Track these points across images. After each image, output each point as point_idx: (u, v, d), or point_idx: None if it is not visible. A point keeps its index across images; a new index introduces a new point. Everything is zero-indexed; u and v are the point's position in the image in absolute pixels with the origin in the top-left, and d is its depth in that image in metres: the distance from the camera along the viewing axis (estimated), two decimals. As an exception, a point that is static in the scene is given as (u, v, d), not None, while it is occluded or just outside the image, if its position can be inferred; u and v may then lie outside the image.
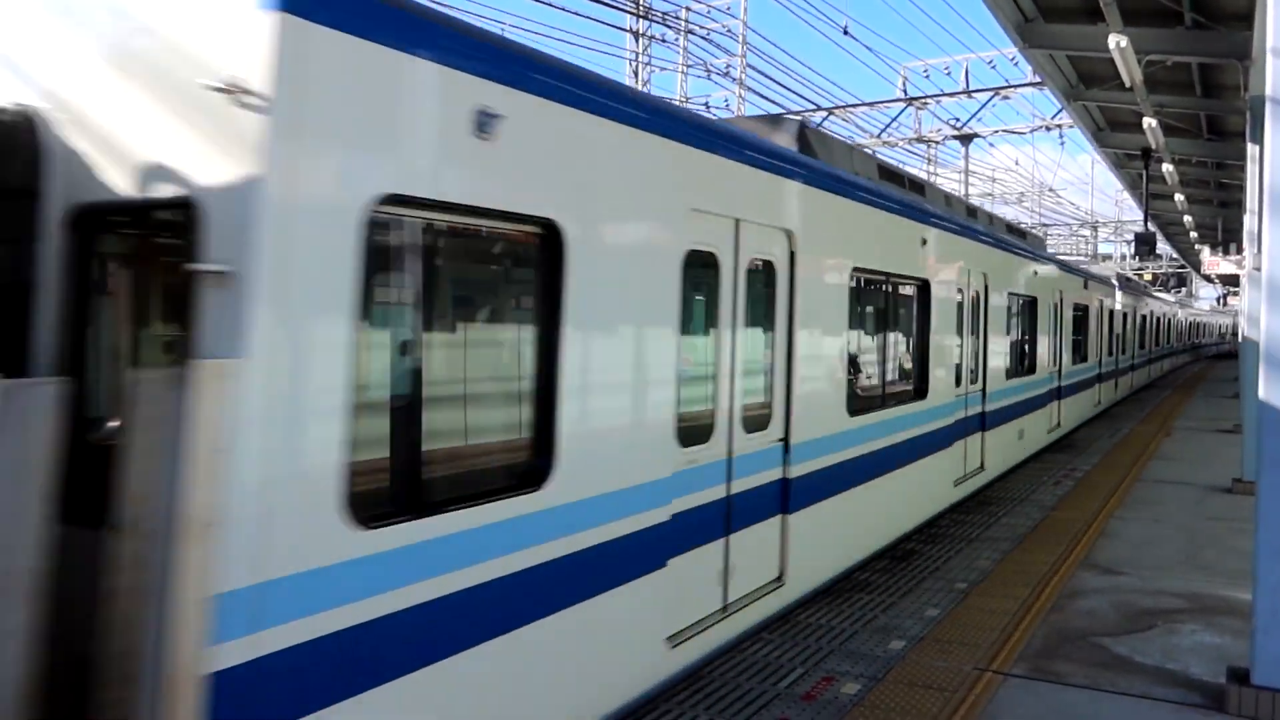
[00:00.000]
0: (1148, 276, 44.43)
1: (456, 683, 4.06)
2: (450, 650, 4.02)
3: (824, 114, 24.67)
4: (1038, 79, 18.57)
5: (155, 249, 4.22)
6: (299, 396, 3.38)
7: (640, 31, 23.74)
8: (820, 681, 5.91)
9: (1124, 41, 11.48)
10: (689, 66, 25.22)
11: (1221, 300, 70.02)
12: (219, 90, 3.23)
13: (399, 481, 3.96)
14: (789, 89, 37.14)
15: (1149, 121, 15.68)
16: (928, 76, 26.31)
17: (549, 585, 4.53)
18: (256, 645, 3.23)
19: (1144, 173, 21.87)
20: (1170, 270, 53.87)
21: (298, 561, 3.37)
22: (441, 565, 3.96)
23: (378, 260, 3.73)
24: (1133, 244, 33.82)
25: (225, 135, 3.27)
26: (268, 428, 3.27)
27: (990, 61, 24.21)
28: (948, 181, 32.56)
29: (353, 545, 3.56)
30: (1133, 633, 6.92)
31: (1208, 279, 51.69)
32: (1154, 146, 17.74)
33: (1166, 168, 20.22)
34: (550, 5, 18.06)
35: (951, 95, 24.63)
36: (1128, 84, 13.23)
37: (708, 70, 24.99)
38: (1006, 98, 23.78)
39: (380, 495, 3.86)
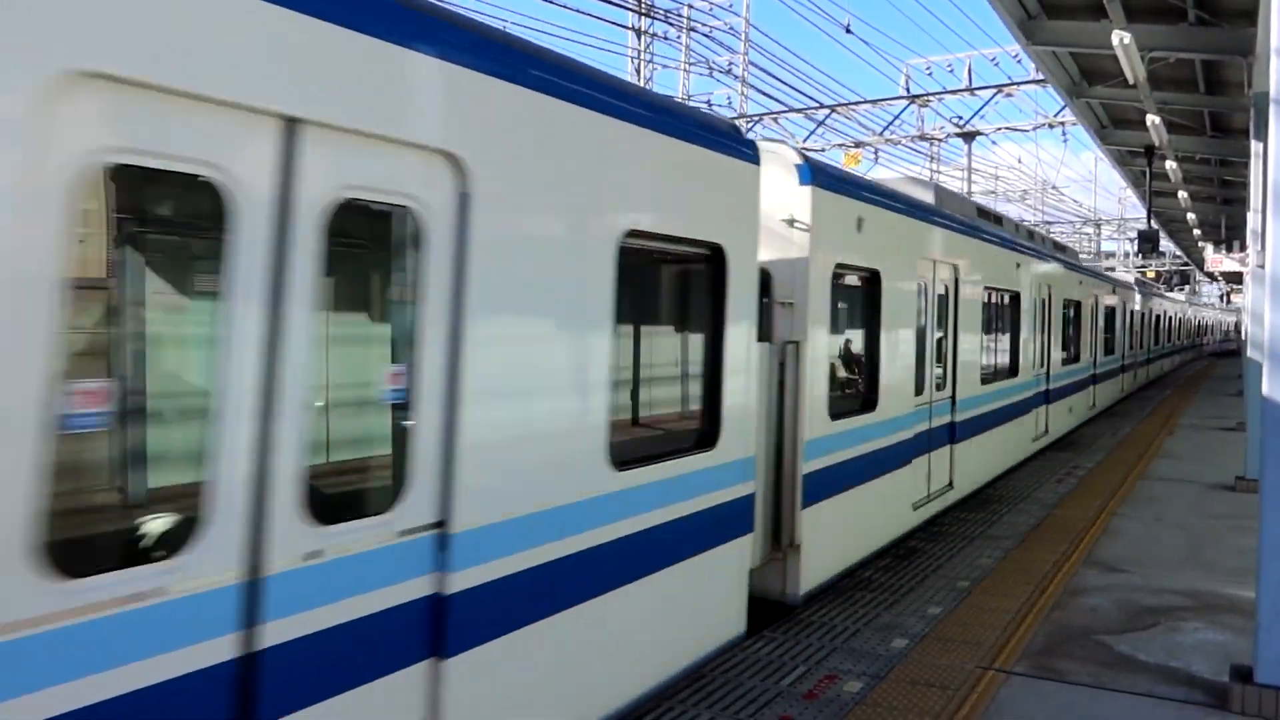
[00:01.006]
0: (1151, 274, 44.29)
1: (892, 484, 8.48)
2: (887, 470, 8.65)
3: (826, 111, 24.64)
4: (1041, 76, 18.54)
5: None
6: (814, 360, 7.36)
7: (643, 29, 23.72)
8: (822, 680, 5.90)
9: (1127, 38, 11.44)
10: (691, 64, 25.22)
11: (1225, 298, 69.84)
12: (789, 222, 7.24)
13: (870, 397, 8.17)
14: (791, 86, 37.14)
15: (1152, 118, 15.64)
16: (930, 74, 26.40)
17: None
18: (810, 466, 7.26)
19: (1147, 170, 21.80)
20: (1174, 268, 53.79)
21: (817, 432, 7.51)
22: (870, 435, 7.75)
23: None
24: (1136, 242, 33.76)
25: (792, 241, 7.39)
26: (805, 373, 7.30)
27: (993, 59, 24.08)
28: (951, 180, 32.52)
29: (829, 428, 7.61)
30: (1135, 631, 6.91)
31: (1211, 276, 51.61)
32: (1157, 144, 17.69)
33: (1170, 165, 20.17)
34: (553, 3, 18.03)
35: (954, 93, 24.61)
36: (1131, 81, 13.18)
37: (710, 68, 25.02)
38: (1009, 95, 23.74)
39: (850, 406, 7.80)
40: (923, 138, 26.70)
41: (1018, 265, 13.31)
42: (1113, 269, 33.55)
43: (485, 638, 4.10)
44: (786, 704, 5.54)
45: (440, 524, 3.86)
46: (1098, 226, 50.79)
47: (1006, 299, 13.10)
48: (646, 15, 22.88)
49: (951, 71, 25.34)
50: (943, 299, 10.45)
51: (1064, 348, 16.97)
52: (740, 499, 6.17)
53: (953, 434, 10.75)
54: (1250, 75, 12.51)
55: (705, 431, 5.89)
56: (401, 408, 3.80)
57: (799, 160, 7.51)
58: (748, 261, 6.17)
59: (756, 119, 24.77)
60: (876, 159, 26.74)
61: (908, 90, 25.77)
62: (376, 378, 4.09)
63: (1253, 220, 13.30)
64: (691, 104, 22.62)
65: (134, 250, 3.51)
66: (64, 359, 2.71)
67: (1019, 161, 55.95)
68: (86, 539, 3.13)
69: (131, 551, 3.11)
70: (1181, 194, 24.53)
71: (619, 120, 4.97)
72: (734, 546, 6.12)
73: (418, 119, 3.74)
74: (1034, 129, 25.71)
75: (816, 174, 7.51)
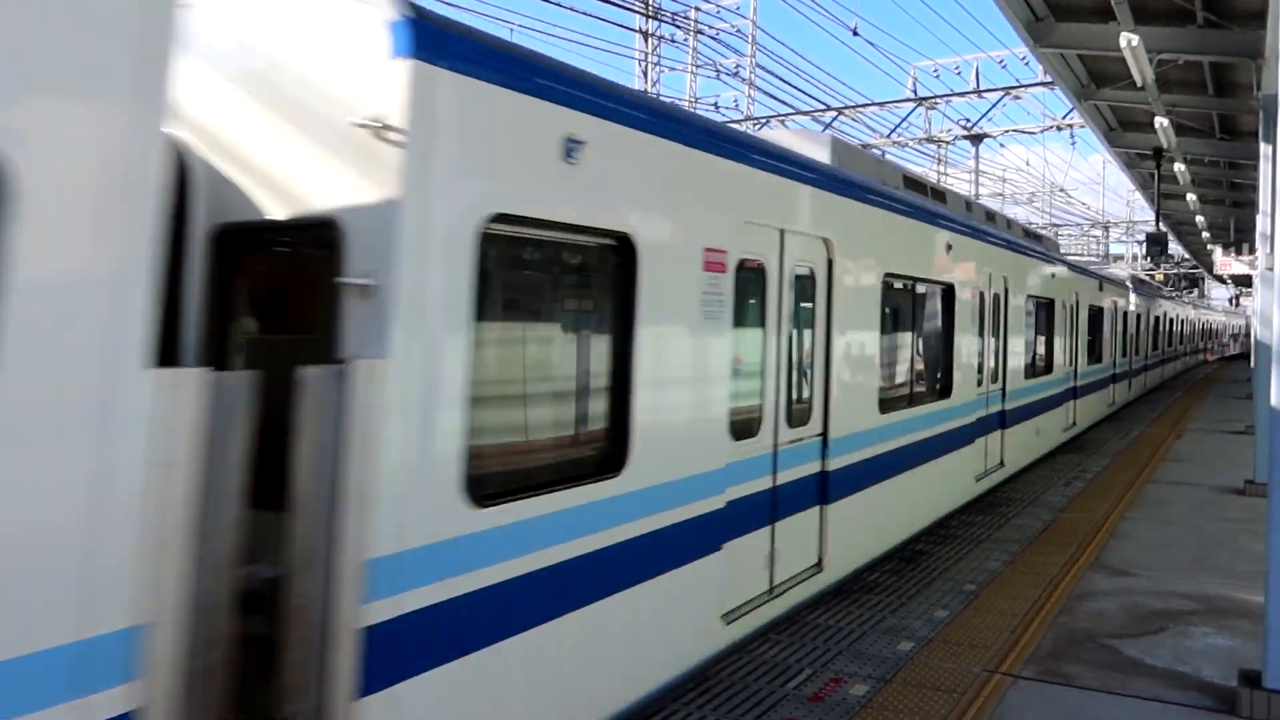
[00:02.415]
0: (1159, 277, 44.01)
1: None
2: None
3: (834, 114, 24.62)
4: (1048, 79, 18.51)
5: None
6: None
7: (650, 32, 23.73)
8: (828, 683, 5.89)
9: (1135, 40, 11.42)
10: (698, 67, 25.22)
11: (1234, 300, 69.54)
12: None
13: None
14: (798, 89, 37.09)
15: (1161, 121, 15.60)
16: (938, 76, 26.23)
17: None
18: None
19: (1155, 173, 21.76)
20: (1182, 270, 53.62)
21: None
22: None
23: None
24: (1144, 244, 33.64)
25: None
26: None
27: (1001, 61, 24.00)
28: (958, 182, 32.48)
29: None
30: (1143, 635, 6.88)
31: (1220, 279, 51.41)
32: (1166, 146, 17.66)
33: (1178, 167, 20.13)
34: (559, 5, 18.09)
35: (962, 95, 24.54)
36: (1139, 83, 13.16)
37: (717, 70, 25.00)
38: (1017, 97, 23.66)
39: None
40: (930, 140, 26.67)
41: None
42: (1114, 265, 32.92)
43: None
44: (792, 706, 5.53)
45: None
46: (1106, 229, 50.64)
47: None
48: (654, 18, 22.90)
49: (959, 74, 25.21)
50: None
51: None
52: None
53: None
54: (1259, 77, 12.48)
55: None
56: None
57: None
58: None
59: (764, 121, 24.77)
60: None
61: (915, 92, 25.72)
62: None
63: (1261, 223, 13.26)
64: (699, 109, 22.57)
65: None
66: None
67: (1027, 164, 55.76)
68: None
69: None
70: (1190, 196, 24.46)
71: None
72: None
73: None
74: (1042, 131, 25.64)
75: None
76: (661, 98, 19.63)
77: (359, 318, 3.72)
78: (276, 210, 4.03)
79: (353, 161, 3.80)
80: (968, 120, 25.65)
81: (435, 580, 3.92)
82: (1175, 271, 49.99)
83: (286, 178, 4.00)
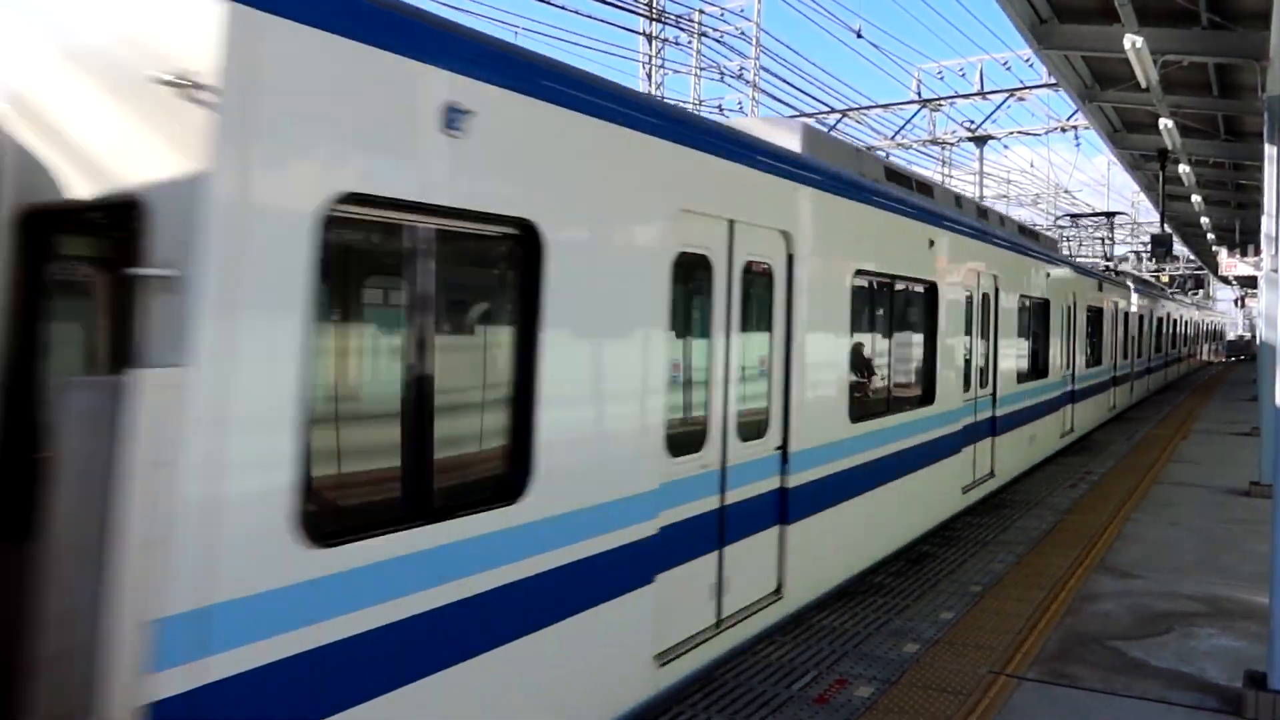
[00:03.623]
0: (1165, 278, 43.92)
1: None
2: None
3: (838, 116, 24.64)
4: (1052, 80, 18.51)
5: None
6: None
7: (653, 34, 23.78)
8: (833, 684, 5.90)
9: (1139, 42, 11.41)
10: (702, 69, 25.26)
11: (1239, 301, 69.37)
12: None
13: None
14: (802, 91, 37.11)
15: (1165, 122, 15.59)
16: (942, 78, 26.19)
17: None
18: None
19: (1160, 174, 21.73)
20: (1188, 272, 53.52)
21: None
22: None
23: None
24: (1149, 245, 33.56)
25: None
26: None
27: (1005, 63, 24.05)
28: (962, 183, 32.46)
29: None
30: (1148, 636, 6.88)
31: (1225, 281, 51.30)
32: (1170, 147, 17.64)
33: (1183, 169, 20.09)
34: (563, 8, 18.13)
35: (966, 97, 24.54)
36: (1143, 85, 13.15)
37: (721, 73, 25.02)
38: (1021, 99, 23.66)
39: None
40: (934, 142, 26.68)
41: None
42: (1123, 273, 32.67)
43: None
44: (797, 708, 5.54)
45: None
46: (1111, 230, 50.47)
47: None
48: (658, 20, 22.95)
49: (963, 75, 25.19)
50: None
51: None
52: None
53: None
54: (1263, 79, 12.47)
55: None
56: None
57: None
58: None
59: (767, 124, 24.72)
60: (888, 163, 26.67)
61: (919, 94, 25.70)
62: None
63: (1267, 224, 13.23)
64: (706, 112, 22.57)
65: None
66: None
67: (1031, 165, 55.81)
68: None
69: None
70: (1195, 198, 24.42)
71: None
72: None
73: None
74: (1046, 133, 25.65)
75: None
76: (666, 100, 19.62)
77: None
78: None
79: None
80: (972, 122, 25.67)
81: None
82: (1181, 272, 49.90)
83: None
